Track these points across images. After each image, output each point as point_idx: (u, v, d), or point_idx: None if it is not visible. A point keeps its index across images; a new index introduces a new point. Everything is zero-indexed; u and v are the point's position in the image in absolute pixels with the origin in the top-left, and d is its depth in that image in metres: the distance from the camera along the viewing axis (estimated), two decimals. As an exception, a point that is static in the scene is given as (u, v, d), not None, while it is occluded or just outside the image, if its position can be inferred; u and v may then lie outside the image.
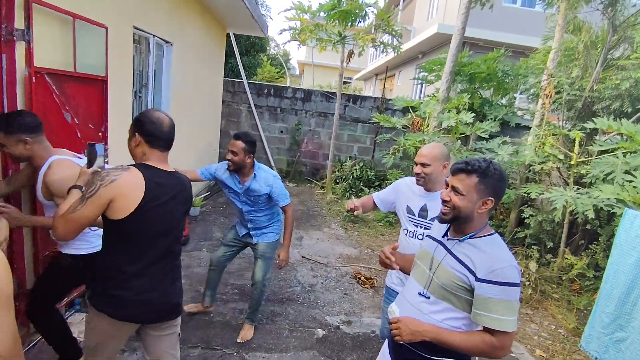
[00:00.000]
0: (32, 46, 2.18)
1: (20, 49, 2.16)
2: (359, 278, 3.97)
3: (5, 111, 2.20)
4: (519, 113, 6.21)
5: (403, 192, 2.17)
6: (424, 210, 2.04)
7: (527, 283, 3.90)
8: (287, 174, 8.13)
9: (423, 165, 1.98)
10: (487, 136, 4.64)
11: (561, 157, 4.10)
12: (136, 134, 1.55)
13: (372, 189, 7.19)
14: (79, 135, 2.70)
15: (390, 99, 7.63)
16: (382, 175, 7.44)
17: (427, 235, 1.61)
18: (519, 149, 4.37)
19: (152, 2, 3.74)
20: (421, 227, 2.05)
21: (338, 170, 7.58)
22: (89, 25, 2.66)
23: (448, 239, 1.44)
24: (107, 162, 1.83)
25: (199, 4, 5.07)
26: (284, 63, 16.34)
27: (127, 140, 1.60)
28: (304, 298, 3.54)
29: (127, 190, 1.43)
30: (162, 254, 1.60)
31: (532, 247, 4.31)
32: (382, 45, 6.92)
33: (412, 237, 2.08)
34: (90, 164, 1.65)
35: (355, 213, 2.19)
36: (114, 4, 3.06)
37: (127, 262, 1.51)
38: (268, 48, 19.12)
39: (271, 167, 8.04)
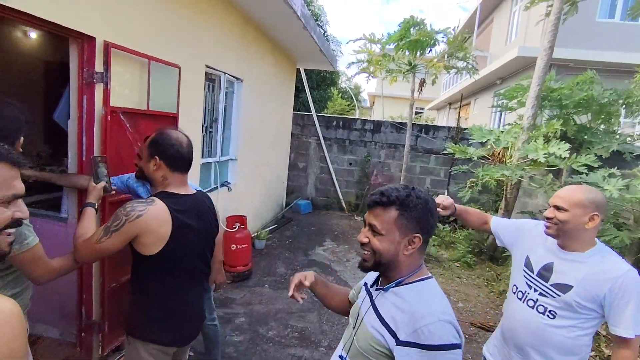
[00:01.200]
0: (109, 87, 2.30)
1: (98, 90, 2.30)
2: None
3: (84, 148, 2.33)
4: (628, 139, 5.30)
5: (528, 237, 1.69)
6: (547, 270, 1.54)
7: None
8: (355, 207, 7.89)
9: (557, 208, 1.50)
10: (584, 171, 3.92)
11: (692, 193, 3.31)
12: (155, 157, 1.49)
13: (447, 225, 6.61)
14: (149, 170, 2.79)
15: (465, 128, 7.11)
16: (458, 210, 6.84)
17: (364, 283, 1.29)
18: (631, 182, 3.64)
19: (224, 42, 3.91)
20: (536, 291, 1.56)
21: (409, 204, 7.14)
22: (163, 65, 2.80)
23: (376, 288, 1.15)
24: (108, 174, 1.83)
25: (269, 42, 5.26)
26: (353, 96, 16.48)
27: (143, 162, 1.54)
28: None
29: (154, 226, 1.39)
30: (197, 276, 1.62)
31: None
32: (456, 71, 6.54)
33: (522, 299, 1.60)
34: (97, 178, 1.71)
35: (445, 205, 1.84)
36: (188, 46, 3.22)
37: (167, 289, 1.51)
38: (339, 82, 19.59)
39: (339, 200, 7.90)
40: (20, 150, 1.27)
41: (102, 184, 1.71)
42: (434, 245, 5.66)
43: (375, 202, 1.05)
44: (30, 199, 2.72)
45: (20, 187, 0.88)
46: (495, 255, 5.47)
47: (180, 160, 1.53)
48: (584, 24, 8.33)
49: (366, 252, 1.07)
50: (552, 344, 1.50)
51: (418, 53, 6.12)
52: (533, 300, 1.56)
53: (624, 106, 4.94)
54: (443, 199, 1.83)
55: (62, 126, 2.37)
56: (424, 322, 0.95)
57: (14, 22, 3.81)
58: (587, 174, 3.84)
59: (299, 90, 10.70)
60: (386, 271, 1.08)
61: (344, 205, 7.87)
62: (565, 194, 1.51)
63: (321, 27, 11.99)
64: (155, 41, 2.74)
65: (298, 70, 7.95)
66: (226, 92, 4.30)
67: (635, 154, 4.87)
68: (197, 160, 3.73)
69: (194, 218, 1.54)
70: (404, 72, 6.34)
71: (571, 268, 1.49)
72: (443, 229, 6.39)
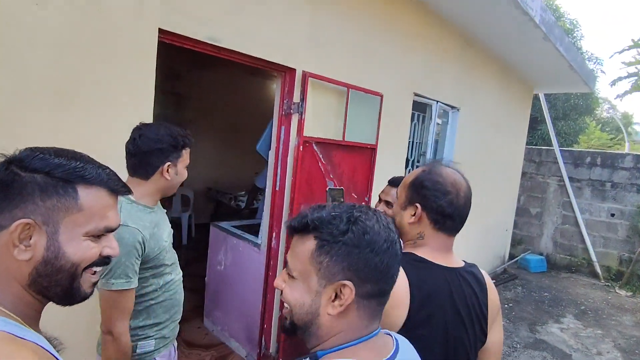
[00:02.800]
0: (303, 118, 2.27)
1: (294, 121, 2.30)
2: None
3: (278, 177, 2.37)
4: None
5: None
6: None
7: None
8: (617, 275, 5.65)
9: None
10: None
11: None
12: (417, 205, 1.01)
13: None
14: (339, 204, 2.63)
15: None
16: None
17: None
18: None
19: (437, 67, 3.49)
20: None
21: None
22: (362, 94, 2.63)
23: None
24: None
25: (494, 63, 4.47)
26: (622, 126, 12.73)
27: (397, 208, 1.08)
28: None
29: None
30: None
31: None
32: None
33: None
34: None
35: None
36: (393, 73, 2.98)
37: None
38: (598, 110, 15.61)
39: (591, 262, 5.87)
40: (167, 176, 1.22)
41: None
42: None
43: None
44: (243, 222, 3.02)
45: (115, 219, 0.72)
46: None
47: (452, 218, 1.01)
48: None
49: (285, 307, 0.71)
50: None
51: None
52: None
53: None
54: None
55: (263, 157, 2.50)
56: None
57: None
58: None
59: (537, 121, 8.99)
60: (307, 339, 0.69)
61: (599, 271, 5.76)
62: None
63: (574, 44, 9.87)
64: (355, 69, 2.61)
65: (536, 97, 6.60)
66: (438, 123, 3.83)
67: None
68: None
69: (447, 306, 0.97)
70: None
71: None
72: None
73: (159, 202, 1.32)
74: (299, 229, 0.67)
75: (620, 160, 5.76)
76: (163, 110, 4.61)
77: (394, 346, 0.69)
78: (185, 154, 1.28)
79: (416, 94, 3.30)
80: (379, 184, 2.98)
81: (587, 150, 6.44)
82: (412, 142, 3.60)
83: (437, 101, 3.62)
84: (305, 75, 2.24)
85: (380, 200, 1.83)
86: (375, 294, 0.65)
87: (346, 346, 0.65)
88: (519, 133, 5.83)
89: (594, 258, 5.82)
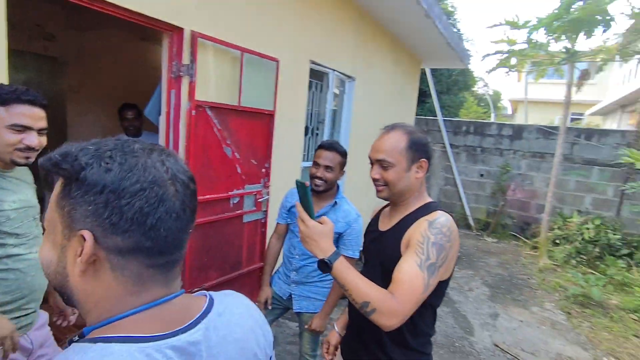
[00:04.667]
0: (194, 80, 2.18)
1: (185, 84, 2.19)
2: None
3: (171, 144, 2.26)
4: None
5: None
6: None
7: None
8: (485, 226, 6.71)
9: None
10: None
11: None
12: (424, 160, 1.23)
13: (619, 259, 5.00)
14: (238, 171, 2.61)
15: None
16: (636, 240, 5.12)
17: None
18: None
19: (334, 37, 3.60)
20: None
21: (559, 228, 5.67)
22: (258, 58, 2.60)
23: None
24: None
25: (387, 37, 4.78)
26: (490, 101, 14.70)
27: (396, 173, 1.20)
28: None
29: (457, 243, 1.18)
30: None
31: None
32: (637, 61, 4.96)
33: None
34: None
35: None
36: (290, 39, 2.99)
37: (431, 326, 1.28)
38: (474, 86, 17.76)
39: (466, 217, 6.83)
40: None
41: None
42: (596, 285, 4.27)
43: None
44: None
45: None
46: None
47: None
48: None
49: None
50: None
51: (581, 36, 4.82)
52: None
53: None
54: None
55: (153, 122, 2.35)
56: None
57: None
58: None
59: (425, 94, 9.90)
60: (76, 308, 0.57)
61: (471, 223, 6.77)
62: None
63: (454, 26, 10.95)
64: (250, 32, 2.56)
65: (424, 72, 7.25)
66: (336, 92, 3.99)
67: None
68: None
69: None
70: (557, 63, 5.08)
71: None
72: (612, 262, 4.84)
73: (17, 167, 1.18)
74: (47, 167, 0.52)
75: (487, 129, 6.71)
76: (37, 76, 3.99)
77: (202, 310, 0.57)
78: (7, 112, 1.11)
79: (313, 62, 3.37)
80: (280, 151, 3.04)
81: (463, 120, 7.36)
82: (311, 110, 3.70)
83: (334, 70, 3.75)
84: (195, 36, 2.13)
85: (318, 165, 1.88)
86: (131, 249, 0.50)
87: (116, 319, 0.51)
88: (410, 104, 6.37)
89: (468, 212, 6.80)
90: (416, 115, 7.45)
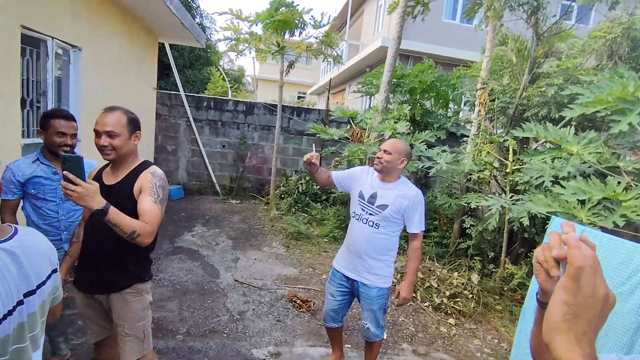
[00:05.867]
0: None
1: None
2: (295, 301, 3.64)
3: None
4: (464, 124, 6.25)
5: (359, 178, 2.39)
6: (373, 197, 2.25)
7: (470, 296, 3.76)
8: (230, 190, 7.69)
9: (386, 152, 2.19)
10: (424, 147, 4.50)
11: (497, 165, 4.06)
12: (138, 131, 1.74)
13: (319, 203, 6.94)
14: None
15: (333, 113, 7.50)
16: (329, 189, 7.23)
17: None
18: (458, 157, 4.29)
19: (53, 1, 3.30)
20: (367, 212, 2.25)
21: (283, 185, 7.27)
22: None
23: None
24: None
25: (118, 9, 4.64)
26: (226, 80, 15.94)
27: (123, 139, 1.65)
28: (230, 329, 3.15)
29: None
30: None
31: (475, 258, 4.21)
32: (322, 56, 6.81)
33: (358, 220, 2.29)
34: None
35: (313, 161, 2.24)
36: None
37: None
38: (219, 62, 18.65)
39: (213, 184, 7.61)
40: None
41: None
42: (305, 224, 5.87)
43: None
44: None
45: None
46: (358, 229, 5.95)
47: None
48: (433, 23, 9.45)
49: None
50: (378, 245, 2.24)
51: (287, 33, 6.15)
52: (365, 219, 2.25)
53: (455, 92, 5.79)
54: (312, 155, 2.24)
55: None
56: None
57: None
58: (427, 149, 4.40)
59: (169, 68, 9.85)
60: None
61: (218, 189, 7.62)
62: (392, 142, 2.24)
63: (191, 3, 11.16)
64: None
65: (164, 47, 7.29)
66: (59, 62, 3.66)
67: (461, 134, 5.78)
68: (17, 141, 3.12)
69: None
70: (272, 53, 6.32)
71: (388, 194, 2.21)
72: (314, 207, 6.69)
73: None
74: None
75: (225, 105, 7.57)
76: None
77: (12, 231, 0.96)
78: None
79: (25, 27, 3.02)
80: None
81: (204, 96, 7.93)
82: (27, 79, 3.31)
83: (53, 37, 3.45)
84: None
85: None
86: None
87: None
88: (149, 78, 6.35)
89: (214, 180, 7.59)
90: (160, 89, 7.48)
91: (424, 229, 2.27)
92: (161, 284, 3.74)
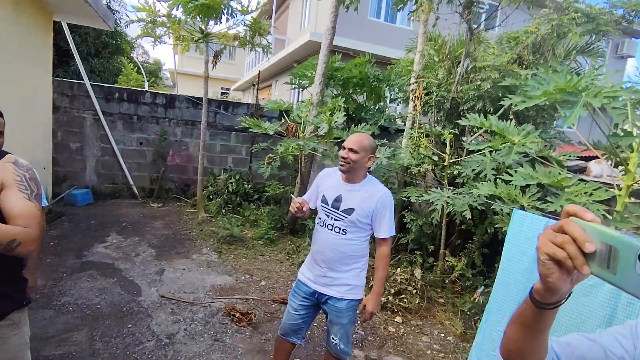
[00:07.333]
0: None
1: None
2: (233, 315, 3.25)
3: None
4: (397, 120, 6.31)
5: (323, 182, 2.17)
6: (337, 201, 2.02)
7: (414, 292, 3.72)
8: (150, 192, 6.89)
9: (351, 150, 1.94)
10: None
11: (435, 158, 4.08)
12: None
13: (252, 203, 6.52)
14: None
15: (264, 106, 7.12)
16: (261, 187, 6.84)
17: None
18: (395, 151, 4.24)
19: None
20: (331, 218, 2.03)
21: (211, 185, 6.70)
22: None
23: None
24: None
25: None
26: (142, 71, 14.59)
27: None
28: (158, 357, 2.67)
29: None
30: None
31: (415, 252, 4.20)
32: (258, 51, 6.40)
33: (323, 226, 2.07)
34: None
35: (303, 209, 2.02)
36: None
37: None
38: (129, 51, 16.90)
39: (130, 186, 6.74)
40: None
41: None
42: (237, 226, 5.44)
43: None
44: None
45: None
46: (295, 228, 5.69)
47: None
48: (359, 20, 9.52)
49: None
50: (346, 253, 2.00)
51: (212, 21, 5.62)
52: (330, 225, 2.02)
53: (387, 88, 5.81)
54: (298, 204, 2.01)
55: None
56: None
57: None
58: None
59: (70, 56, 8.55)
60: None
61: (136, 191, 6.76)
62: (357, 139, 1.96)
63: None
64: None
65: (62, 30, 6.23)
66: None
67: (396, 128, 5.83)
68: None
69: None
70: (196, 41, 5.74)
71: (354, 195, 1.98)
72: (247, 207, 6.26)
73: None
74: None
75: (142, 97, 6.74)
76: None
77: None
78: None
79: None
80: None
81: (115, 86, 6.99)
82: None
83: None
84: None
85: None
86: None
87: None
88: (43, 63, 5.36)
89: (131, 182, 6.72)
90: (57, 77, 6.40)
91: (394, 234, 2.03)
92: (64, 311, 3.08)
